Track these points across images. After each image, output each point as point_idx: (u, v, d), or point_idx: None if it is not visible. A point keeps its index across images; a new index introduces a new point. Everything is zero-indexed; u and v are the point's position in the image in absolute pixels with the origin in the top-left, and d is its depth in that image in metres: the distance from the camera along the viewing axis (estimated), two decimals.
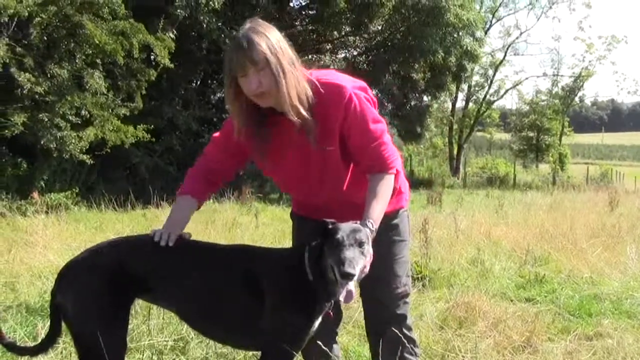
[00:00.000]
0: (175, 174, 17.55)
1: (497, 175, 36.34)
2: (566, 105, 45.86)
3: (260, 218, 10.54)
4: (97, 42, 12.56)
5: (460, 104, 44.56)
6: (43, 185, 13.31)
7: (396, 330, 3.08)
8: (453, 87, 34.12)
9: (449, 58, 24.47)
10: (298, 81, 2.69)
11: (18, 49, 11.77)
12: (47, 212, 10.22)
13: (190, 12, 16.48)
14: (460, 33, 24.73)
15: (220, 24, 17.98)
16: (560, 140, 45.51)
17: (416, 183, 26.00)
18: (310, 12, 23.80)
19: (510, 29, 62.14)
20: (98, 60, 13.30)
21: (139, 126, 14.27)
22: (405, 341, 3.12)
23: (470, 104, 44.85)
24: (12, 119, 11.46)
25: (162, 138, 17.50)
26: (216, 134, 3.14)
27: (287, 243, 5.22)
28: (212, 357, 3.85)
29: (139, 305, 4.16)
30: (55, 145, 12.46)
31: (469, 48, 25.56)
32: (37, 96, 12.06)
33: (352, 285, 2.54)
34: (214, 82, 22.54)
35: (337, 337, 3.37)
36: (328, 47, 24.59)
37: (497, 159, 44.44)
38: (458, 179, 37.04)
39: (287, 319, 2.66)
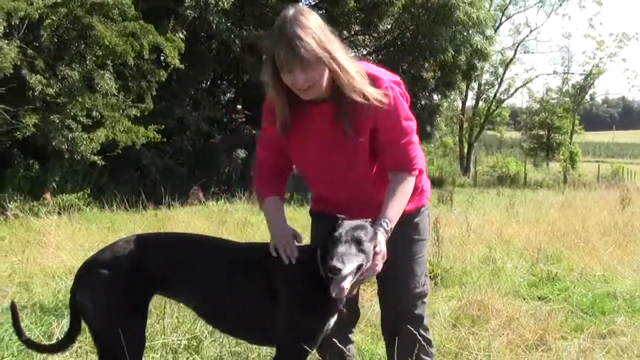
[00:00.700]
0: (186, 175, 17.59)
1: (508, 173, 36.18)
2: (577, 103, 45.58)
3: None
4: (108, 43, 12.59)
5: (470, 102, 44.53)
6: (55, 186, 13.34)
7: (413, 331, 3.05)
8: (463, 86, 34.04)
9: (459, 56, 24.38)
10: (351, 66, 2.67)
11: (29, 51, 11.81)
12: (59, 213, 10.27)
13: (200, 12, 16.50)
14: (470, 31, 24.64)
15: (229, 24, 18.00)
16: (571, 138, 45.28)
17: None
18: (319, 11, 23.73)
19: (520, 26, 62.08)
20: (108, 62, 13.32)
21: (149, 127, 14.28)
22: (422, 342, 3.08)
23: (481, 103, 44.74)
24: (24, 121, 11.51)
25: (173, 139, 17.52)
26: (262, 135, 3.10)
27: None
28: (226, 356, 3.87)
29: (152, 305, 4.17)
30: (66, 147, 12.51)
31: (479, 46, 25.46)
32: (48, 98, 12.11)
33: (348, 282, 2.51)
34: (224, 82, 22.58)
35: (352, 337, 3.36)
36: None
37: (507, 157, 44.23)
38: (468, 177, 36.95)
39: (301, 317, 2.67)
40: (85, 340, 3.63)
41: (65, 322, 4.11)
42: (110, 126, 13.35)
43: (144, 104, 14.28)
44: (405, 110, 2.81)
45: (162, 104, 16.60)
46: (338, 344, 3.02)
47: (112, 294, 2.66)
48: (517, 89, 46.71)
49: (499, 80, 44.38)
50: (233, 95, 23.13)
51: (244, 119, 21.62)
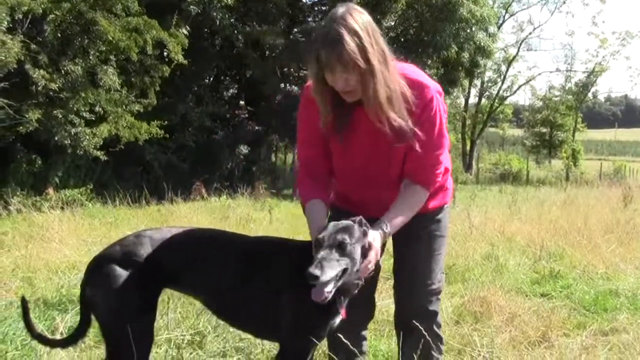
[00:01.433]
0: (189, 170, 17.61)
1: (510, 171, 36.19)
2: (579, 101, 45.48)
3: (274, 214, 10.56)
4: (111, 38, 12.61)
5: (473, 99, 44.45)
6: (57, 181, 13.36)
7: (426, 327, 3.03)
8: (466, 83, 34.03)
9: (462, 54, 24.40)
10: (390, 80, 2.59)
11: (32, 46, 11.81)
12: (62, 208, 10.27)
13: (204, 8, 16.52)
14: (474, 28, 24.67)
15: (233, 20, 18.03)
16: (573, 136, 45.19)
17: None
18: (322, 7, 23.76)
19: (523, 24, 62.31)
20: (112, 57, 13.33)
21: (152, 122, 14.30)
22: (434, 338, 3.08)
23: (483, 100, 44.69)
24: (27, 116, 11.51)
25: (176, 135, 17.54)
26: (301, 133, 3.00)
27: (300, 238, 5.22)
28: (230, 351, 3.87)
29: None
30: (69, 142, 12.53)
31: (482, 44, 25.48)
32: (51, 93, 12.13)
33: (331, 287, 2.46)
34: (227, 78, 22.60)
35: (366, 333, 3.35)
36: None
37: (510, 154, 44.16)
38: (471, 174, 36.94)
39: (304, 313, 2.66)
40: (89, 334, 3.63)
41: (69, 317, 4.13)
42: (113, 121, 13.37)
43: (147, 100, 14.30)
44: (442, 125, 2.78)
45: (165, 100, 16.63)
46: (349, 344, 2.95)
47: (122, 289, 2.65)
48: (520, 87, 46.71)
49: (502, 77, 44.36)
50: (236, 92, 23.16)
51: (246, 115, 21.65)
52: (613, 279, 6.31)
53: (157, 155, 16.80)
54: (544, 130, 45.74)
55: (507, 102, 47.62)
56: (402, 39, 24.61)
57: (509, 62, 43.82)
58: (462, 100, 42.36)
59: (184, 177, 16.41)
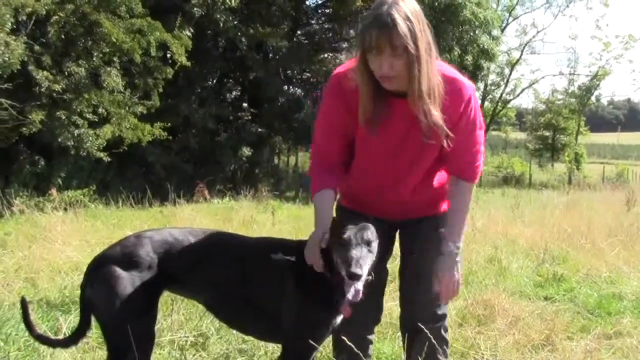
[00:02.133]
0: (191, 172, 17.62)
1: (513, 174, 36.21)
2: (582, 105, 45.38)
3: (276, 216, 10.54)
4: (114, 40, 12.64)
5: None
6: (60, 182, 13.38)
7: (435, 330, 3.02)
8: None
9: (465, 56, 24.42)
10: (432, 73, 2.59)
11: (36, 47, 11.85)
12: (65, 209, 10.27)
13: (207, 10, 16.54)
14: (477, 31, 24.68)
15: (236, 22, 18.03)
16: (576, 139, 45.10)
17: None
18: (326, 10, 23.80)
19: (526, 27, 61.48)
20: (115, 58, 13.37)
21: (155, 124, 14.34)
22: (441, 341, 3.06)
23: (486, 103, 44.57)
24: (30, 117, 11.54)
25: (179, 136, 17.56)
26: (321, 120, 2.92)
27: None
28: (233, 353, 3.87)
29: (160, 302, 4.18)
30: (72, 143, 12.56)
31: (485, 46, 25.50)
32: (54, 94, 12.16)
33: (361, 284, 2.49)
34: (230, 80, 22.60)
35: (372, 337, 3.31)
36: (344, 46, 24.58)
37: (512, 158, 44.11)
38: None
39: (306, 313, 2.67)
40: (92, 335, 3.63)
41: (72, 318, 4.12)
42: (117, 123, 13.40)
43: (150, 101, 14.33)
44: (480, 119, 2.81)
45: (169, 102, 16.65)
46: (354, 347, 2.93)
47: (122, 290, 2.65)
48: (523, 90, 46.52)
49: (505, 80, 44.24)
50: (239, 93, 23.16)
51: (249, 117, 21.64)
52: (617, 283, 6.29)
53: (160, 156, 16.82)
54: (546, 133, 45.68)
55: (510, 105, 47.51)
56: None
57: (512, 65, 43.72)
58: None
59: (186, 179, 16.42)
